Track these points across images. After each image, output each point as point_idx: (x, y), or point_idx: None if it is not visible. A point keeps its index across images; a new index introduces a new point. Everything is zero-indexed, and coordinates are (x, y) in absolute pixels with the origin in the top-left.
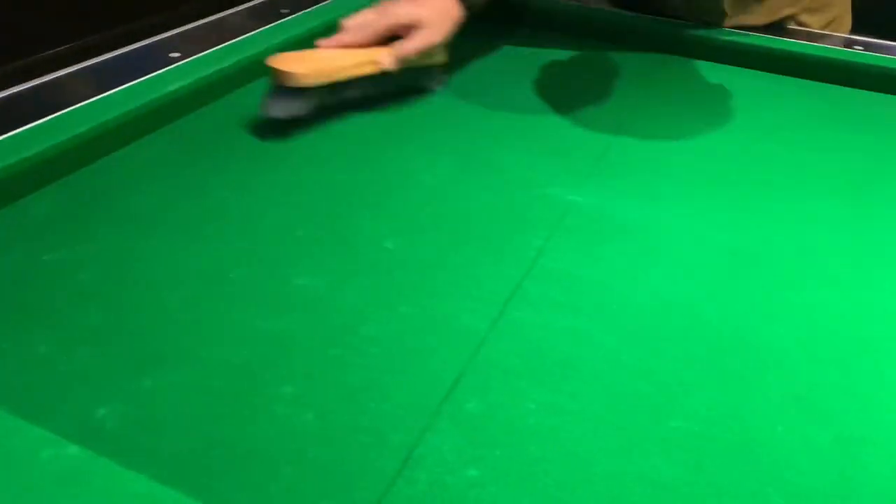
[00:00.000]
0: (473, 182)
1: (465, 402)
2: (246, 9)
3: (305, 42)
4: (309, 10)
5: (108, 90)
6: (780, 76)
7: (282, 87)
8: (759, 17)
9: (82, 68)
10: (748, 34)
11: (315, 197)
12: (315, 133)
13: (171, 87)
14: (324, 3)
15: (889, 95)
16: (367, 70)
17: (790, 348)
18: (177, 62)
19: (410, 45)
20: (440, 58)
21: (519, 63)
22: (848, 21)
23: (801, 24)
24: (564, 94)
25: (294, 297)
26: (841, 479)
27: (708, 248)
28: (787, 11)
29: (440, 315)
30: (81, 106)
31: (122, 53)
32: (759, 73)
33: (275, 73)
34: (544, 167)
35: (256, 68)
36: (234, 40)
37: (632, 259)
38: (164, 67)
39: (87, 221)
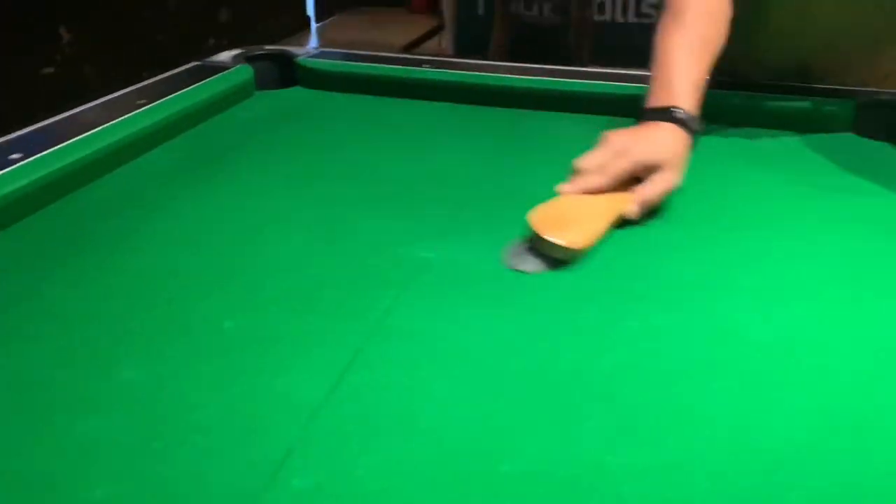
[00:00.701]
0: (324, 250)
1: (291, 480)
2: (101, 103)
3: (168, 130)
4: (165, 98)
5: None
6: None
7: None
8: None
9: None
10: (587, 83)
11: (153, 285)
12: (156, 218)
13: (5, 191)
14: (180, 91)
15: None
16: (616, 223)
17: (617, 377)
18: (16, 163)
19: (654, 192)
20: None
21: (374, 129)
22: None
23: None
24: (420, 156)
25: (116, 393)
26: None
27: (545, 288)
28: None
29: (274, 391)
30: None
31: None
32: (614, 118)
33: (546, 245)
34: (399, 229)
35: (96, 165)
36: (81, 136)
37: (473, 308)
38: (1, 170)
39: None
